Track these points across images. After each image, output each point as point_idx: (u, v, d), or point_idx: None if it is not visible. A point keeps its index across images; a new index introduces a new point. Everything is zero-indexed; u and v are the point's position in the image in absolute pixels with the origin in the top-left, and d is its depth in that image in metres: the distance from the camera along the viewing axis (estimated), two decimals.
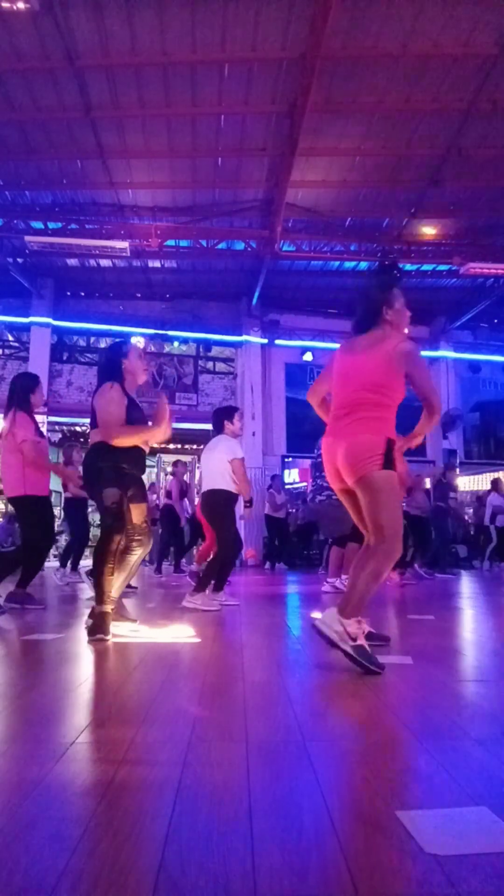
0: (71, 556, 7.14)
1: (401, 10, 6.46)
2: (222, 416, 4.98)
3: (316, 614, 4.24)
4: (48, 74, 7.35)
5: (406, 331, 2.67)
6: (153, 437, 3.35)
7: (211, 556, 5.05)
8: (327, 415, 2.74)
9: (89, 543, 7.57)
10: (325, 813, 1.09)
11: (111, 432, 3.17)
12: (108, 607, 3.03)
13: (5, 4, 5.92)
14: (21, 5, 5.91)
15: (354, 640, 2.27)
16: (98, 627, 2.93)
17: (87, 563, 6.68)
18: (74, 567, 6.97)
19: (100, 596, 3.05)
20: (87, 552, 7.83)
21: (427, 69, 7.28)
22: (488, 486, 11.34)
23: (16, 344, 13.36)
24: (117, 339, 3.55)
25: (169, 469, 10.36)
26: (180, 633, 3.22)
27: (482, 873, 0.91)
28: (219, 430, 4.86)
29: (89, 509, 7.29)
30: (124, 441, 3.20)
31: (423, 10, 6.46)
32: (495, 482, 10.89)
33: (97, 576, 3.10)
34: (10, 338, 13.40)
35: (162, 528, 9.18)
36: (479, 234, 10.65)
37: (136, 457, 3.32)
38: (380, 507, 2.39)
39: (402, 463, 2.72)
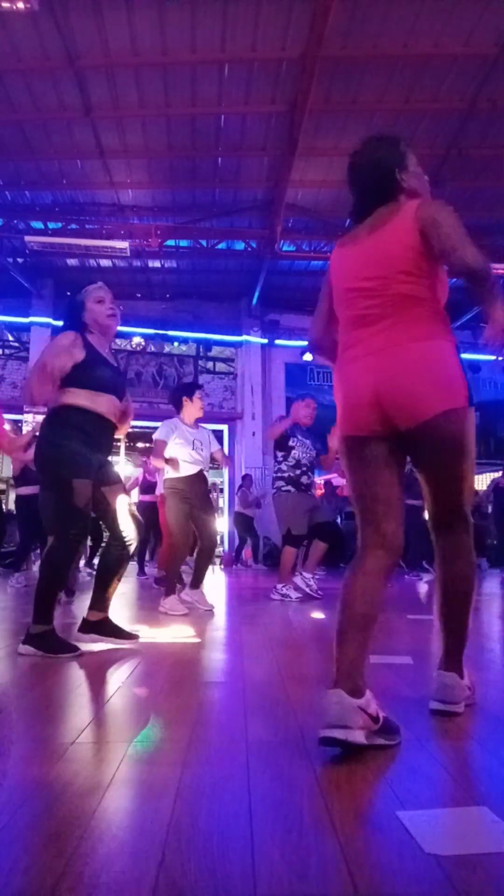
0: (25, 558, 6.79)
1: (401, 10, 6.44)
2: (182, 392, 4.46)
3: (318, 614, 4.24)
4: (48, 74, 7.33)
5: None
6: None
7: (169, 556, 4.64)
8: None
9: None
10: (325, 813, 1.09)
11: (30, 379, 2.68)
12: (51, 626, 2.59)
13: (5, 4, 5.91)
14: (21, 5, 5.90)
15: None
16: (53, 648, 2.51)
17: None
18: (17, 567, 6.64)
19: (47, 616, 2.57)
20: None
21: (427, 69, 7.27)
22: (488, 487, 11.41)
23: (16, 344, 13.33)
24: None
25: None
26: (180, 634, 3.22)
27: (482, 873, 0.91)
28: (179, 409, 4.46)
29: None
30: (39, 390, 2.66)
31: (423, 10, 6.44)
32: None
33: (48, 592, 2.58)
34: (10, 338, 13.37)
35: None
36: (479, 234, 10.64)
37: (108, 429, 2.80)
38: (470, 465, 1.63)
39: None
